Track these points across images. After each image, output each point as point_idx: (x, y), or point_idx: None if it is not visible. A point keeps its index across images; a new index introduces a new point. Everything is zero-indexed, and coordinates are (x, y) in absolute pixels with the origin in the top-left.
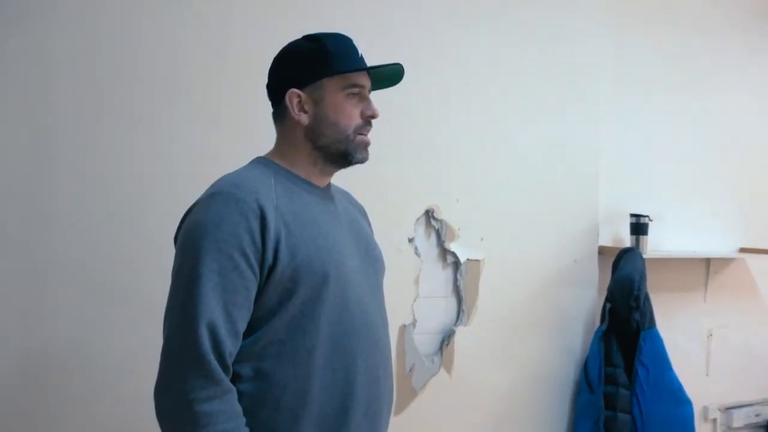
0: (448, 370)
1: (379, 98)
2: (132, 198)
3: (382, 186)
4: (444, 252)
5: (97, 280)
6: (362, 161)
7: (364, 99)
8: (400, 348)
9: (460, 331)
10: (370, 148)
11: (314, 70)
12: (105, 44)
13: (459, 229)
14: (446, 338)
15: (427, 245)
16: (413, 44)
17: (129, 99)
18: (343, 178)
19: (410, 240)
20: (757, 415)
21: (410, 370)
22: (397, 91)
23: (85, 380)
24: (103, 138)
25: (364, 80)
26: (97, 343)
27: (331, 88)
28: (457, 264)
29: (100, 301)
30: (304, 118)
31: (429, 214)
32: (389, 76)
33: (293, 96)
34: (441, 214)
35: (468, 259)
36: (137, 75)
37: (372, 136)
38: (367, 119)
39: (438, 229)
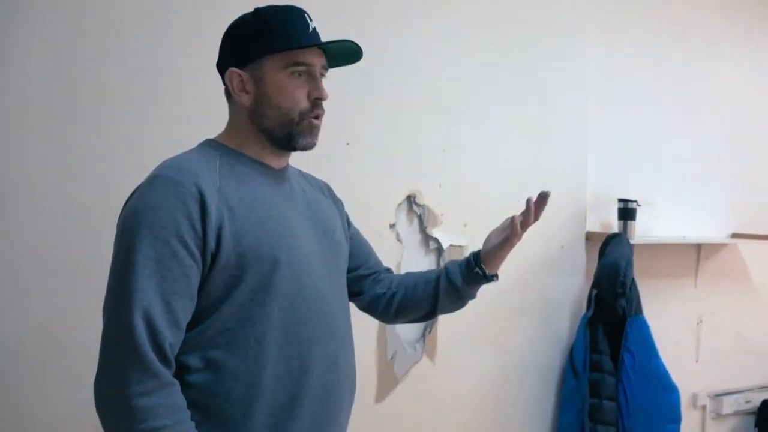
0: (431, 357)
1: (360, 80)
2: (105, 185)
3: (362, 171)
4: (426, 238)
5: (71, 267)
6: (308, 147)
7: (312, 78)
8: (381, 335)
9: (443, 318)
10: (352, 131)
11: (253, 48)
12: (75, 32)
13: (442, 215)
14: (429, 325)
15: (409, 231)
16: (393, 25)
17: (101, 86)
18: (321, 162)
19: (392, 226)
20: (747, 402)
21: (392, 358)
22: (378, 73)
23: (57, 368)
24: (76, 125)
25: (312, 58)
26: (68, 330)
27: (272, 66)
28: (439, 250)
29: (72, 288)
30: (245, 99)
31: (411, 200)
32: (347, 52)
33: (233, 75)
34: (423, 199)
35: (451, 245)
36: (109, 62)
37: (352, 118)
38: (315, 101)
39: (420, 215)
